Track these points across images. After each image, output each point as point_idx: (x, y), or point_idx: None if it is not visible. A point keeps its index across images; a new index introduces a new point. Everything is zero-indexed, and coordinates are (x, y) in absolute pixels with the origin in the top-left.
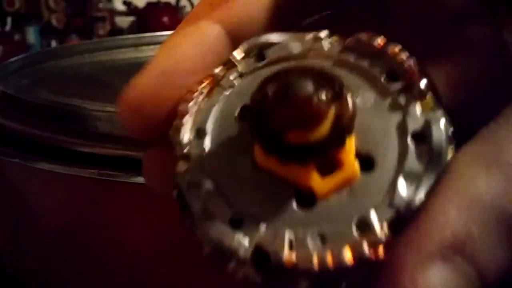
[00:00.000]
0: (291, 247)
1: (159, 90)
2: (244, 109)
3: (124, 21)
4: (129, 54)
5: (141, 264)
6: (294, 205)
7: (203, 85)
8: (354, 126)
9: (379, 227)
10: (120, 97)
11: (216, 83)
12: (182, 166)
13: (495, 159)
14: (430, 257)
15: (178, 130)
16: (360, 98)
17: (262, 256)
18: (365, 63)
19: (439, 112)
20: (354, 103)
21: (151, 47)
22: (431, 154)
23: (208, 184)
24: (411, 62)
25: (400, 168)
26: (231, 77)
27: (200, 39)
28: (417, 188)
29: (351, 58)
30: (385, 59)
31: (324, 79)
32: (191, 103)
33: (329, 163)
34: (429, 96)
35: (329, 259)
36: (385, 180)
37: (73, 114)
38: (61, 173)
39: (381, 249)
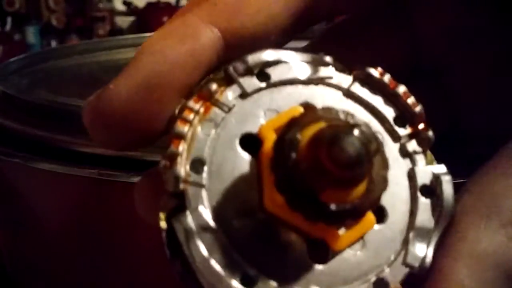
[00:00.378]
0: None
1: (141, 105)
2: (247, 137)
3: (124, 21)
4: (129, 54)
5: (141, 264)
6: (308, 260)
7: (198, 103)
8: (388, 183)
9: None
10: (91, 102)
11: (213, 101)
12: (173, 204)
13: (495, 217)
14: None
15: (172, 160)
16: None
17: None
18: (375, 101)
19: (443, 166)
20: (387, 159)
21: None
22: (441, 211)
23: (212, 234)
24: (421, 109)
25: (411, 223)
26: (230, 97)
27: (194, 44)
28: (428, 245)
29: (361, 92)
30: (396, 101)
31: (365, 132)
32: (186, 127)
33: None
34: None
35: None
36: (396, 234)
37: (73, 114)
38: (61, 173)
39: None
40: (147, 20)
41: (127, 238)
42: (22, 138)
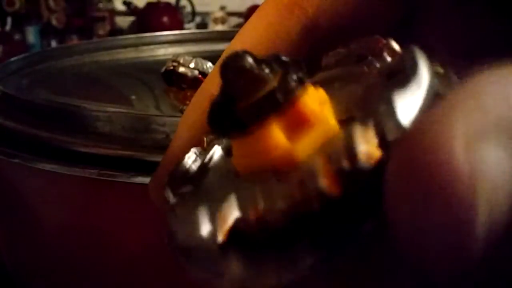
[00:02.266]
0: None
1: None
2: None
3: (124, 21)
4: (129, 54)
5: (141, 264)
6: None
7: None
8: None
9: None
10: None
11: None
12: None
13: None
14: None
15: None
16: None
17: None
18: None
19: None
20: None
21: (151, 47)
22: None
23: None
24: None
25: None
26: None
27: None
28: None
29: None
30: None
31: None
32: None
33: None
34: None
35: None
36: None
37: (73, 114)
38: (61, 173)
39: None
40: (147, 20)
41: (126, 238)
42: (22, 138)
